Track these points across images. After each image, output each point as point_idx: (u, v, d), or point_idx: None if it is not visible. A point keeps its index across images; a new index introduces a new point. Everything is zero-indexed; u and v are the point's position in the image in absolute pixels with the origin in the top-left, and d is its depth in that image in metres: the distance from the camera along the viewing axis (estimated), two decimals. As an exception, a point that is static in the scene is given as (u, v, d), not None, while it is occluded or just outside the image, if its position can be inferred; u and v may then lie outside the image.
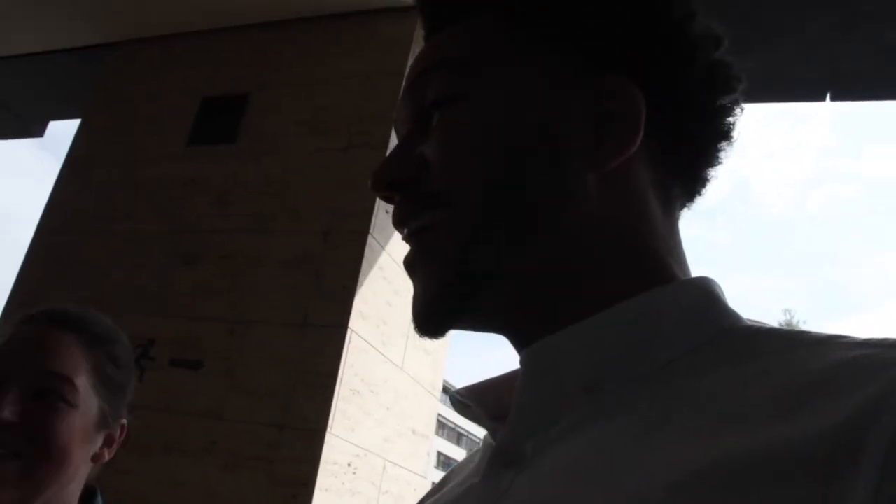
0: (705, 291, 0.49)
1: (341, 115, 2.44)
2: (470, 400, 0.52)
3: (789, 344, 0.41)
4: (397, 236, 0.53)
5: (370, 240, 2.18)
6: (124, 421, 1.04)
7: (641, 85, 0.49)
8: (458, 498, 0.50)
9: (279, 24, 2.73)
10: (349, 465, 2.09)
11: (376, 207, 2.20)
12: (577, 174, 0.49)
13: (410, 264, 0.52)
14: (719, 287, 0.50)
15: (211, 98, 2.70)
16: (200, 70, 2.82)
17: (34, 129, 3.59)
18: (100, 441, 1.00)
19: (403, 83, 0.56)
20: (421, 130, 0.53)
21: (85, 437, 0.95)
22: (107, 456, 1.01)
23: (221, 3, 2.70)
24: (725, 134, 0.55)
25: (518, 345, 0.51)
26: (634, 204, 0.50)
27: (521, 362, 0.47)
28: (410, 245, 0.52)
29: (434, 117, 0.53)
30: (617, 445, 0.40)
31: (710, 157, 0.55)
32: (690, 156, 0.54)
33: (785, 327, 0.45)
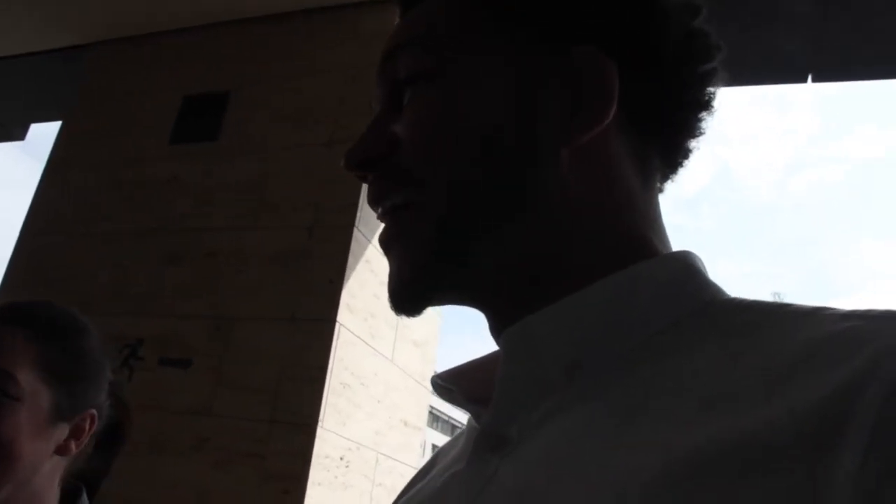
0: (684, 264, 0.48)
1: (323, 109, 2.43)
2: (451, 383, 0.51)
3: (773, 317, 0.40)
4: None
5: (356, 233, 2.17)
6: (93, 411, 1.01)
7: (613, 55, 0.48)
8: (444, 485, 0.50)
9: (259, 20, 2.72)
10: (341, 458, 2.09)
11: (361, 201, 2.20)
12: (549, 150, 0.48)
13: (385, 242, 0.52)
14: (700, 260, 0.49)
15: (192, 96, 2.69)
16: (181, 68, 2.80)
17: (15, 132, 3.56)
18: (62, 433, 0.98)
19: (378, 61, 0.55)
20: (393, 108, 0.53)
21: (36, 430, 0.93)
22: (74, 448, 0.99)
23: (199, 1, 2.68)
24: (705, 103, 0.54)
25: (496, 324, 0.51)
26: (611, 178, 0.49)
27: (501, 344, 0.47)
28: (385, 223, 0.52)
29: (406, 94, 0.52)
30: (599, 430, 0.39)
31: (689, 127, 0.54)
32: (669, 126, 0.53)
33: (768, 300, 0.44)
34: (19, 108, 3.54)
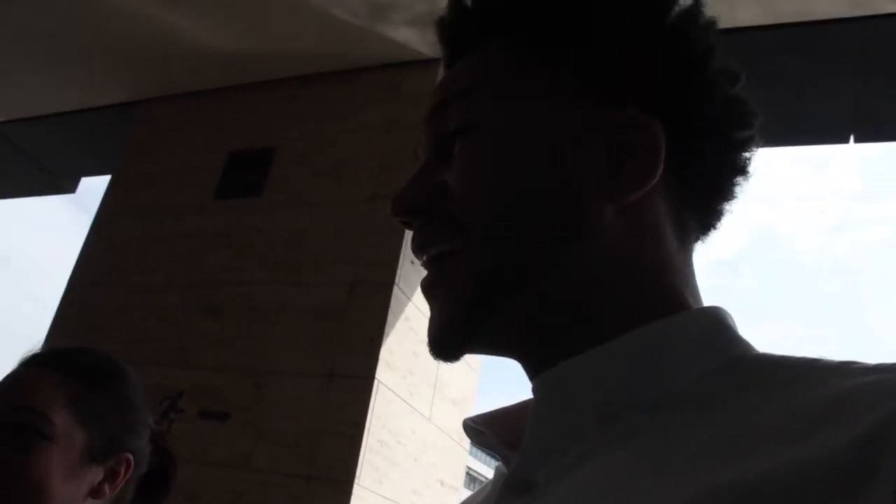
0: (715, 319, 0.49)
1: (364, 166, 2.47)
2: (483, 427, 0.52)
3: (801, 371, 0.41)
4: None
5: (396, 290, 2.18)
6: (129, 455, 1.01)
7: (657, 116, 0.50)
8: None
9: (302, 79, 2.79)
10: (377, 517, 2.07)
11: (401, 258, 2.21)
12: (593, 207, 0.49)
13: (427, 289, 0.52)
14: (730, 316, 0.49)
15: (237, 152, 2.76)
16: (226, 125, 2.88)
17: (66, 185, 3.67)
18: (95, 476, 0.97)
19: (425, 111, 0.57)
20: (440, 157, 0.54)
21: (69, 471, 0.94)
22: (108, 492, 0.98)
23: (245, 61, 2.77)
24: (741, 169, 0.55)
25: (531, 371, 0.51)
26: (651, 236, 0.50)
27: (534, 390, 0.47)
28: (428, 270, 0.53)
29: (456, 145, 0.53)
30: (628, 473, 0.39)
31: (725, 191, 0.55)
32: (707, 190, 0.54)
33: (797, 356, 0.44)
34: (70, 161, 3.66)
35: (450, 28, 0.59)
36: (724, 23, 0.55)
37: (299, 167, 2.60)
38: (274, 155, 2.67)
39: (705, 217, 0.56)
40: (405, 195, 0.53)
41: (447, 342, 0.51)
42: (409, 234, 0.55)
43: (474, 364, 2.60)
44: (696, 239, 0.56)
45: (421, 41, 2.48)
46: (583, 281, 0.49)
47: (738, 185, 0.55)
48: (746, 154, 0.55)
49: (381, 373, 2.11)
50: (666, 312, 0.47)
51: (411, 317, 2.24)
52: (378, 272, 2.23)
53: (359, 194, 2.42)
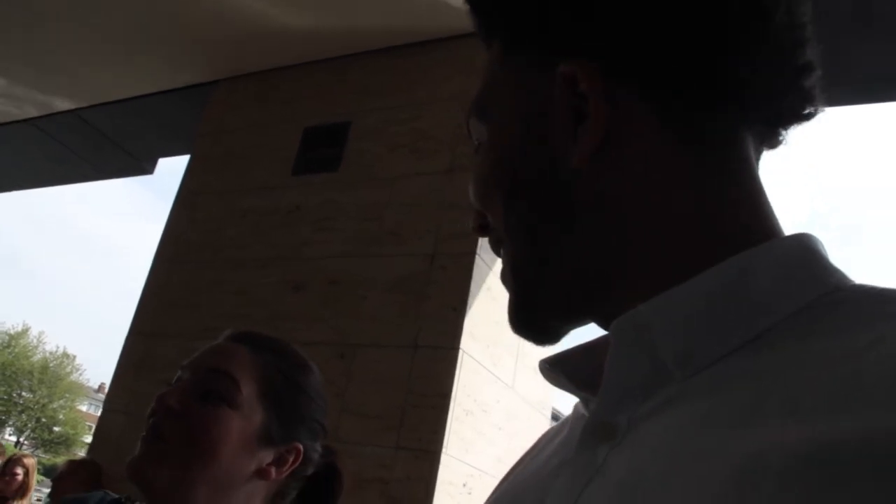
0: (804, 248, 0.45)
1: (441, 137, 2.47)
2: (559, 367, 0.50)
3: None
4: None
5: (478, 260, 2.18)
6: (299, 445, 1.03)
7: (602, 54, 0.47)
8: (552, 472, 0.48)
9: (375, 53, 2.79)
10: (464, 485, 2.09)
11: (482, 228, 2.21)
12: (568, 168, 0.48)
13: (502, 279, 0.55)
14: (820, 243, 0.45)
15: (313, 128, 2.78)
16: (301, 101, 2.91)
17: (145, 166, 3.77)
18: (265, 456, 1.00)
19: None
20: None
21: (242, 442, 0.97)
22: (274, 474, 1.00)
23: (316, 38, 2.78)
24: (750, 24, 0.47)
25: (605, 326, 0.50)
26: (654, 173, 0.47)
27: (611, 334, 0.45)
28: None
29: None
30: (714, 423, 0.37)
31: (745, 62, 0.47)
32: (710, 82, 0.47)
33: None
34: (149, 143, 3.76)
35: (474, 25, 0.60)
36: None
37: (375, 141, 2.61)
38: (349, 130, 2.68)
39: (762, 111, 0.49)
40: (472, 216, 0.56)
41: (519, 327, 0.52)
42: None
43: (554, 334, 2.58)
44: (762, 147, 0.51)
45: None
46: (601, 238, 0.48)
47: (752, 27, 0.47)
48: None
49: (466, 343, 2.12)
50: (741, 244, 0.44)
51: (493, 287, 2.24)
52: (458, 243, 2.23)
53: (436, 166, 2.42)
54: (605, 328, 0.50)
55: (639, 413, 0.42)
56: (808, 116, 0.51)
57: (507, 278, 0.53)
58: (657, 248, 0.47)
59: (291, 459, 1.02)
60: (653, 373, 0.43)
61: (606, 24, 0.48)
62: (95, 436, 2.61)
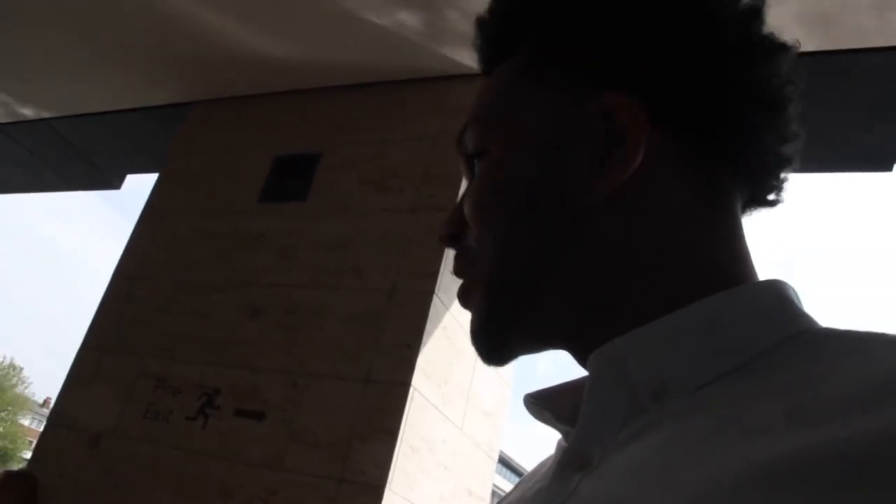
0: (776, 292, 0.47)
1: (409, 176, 2.50)
2: (542, 402, 0.53)
3: (866, 344, 0.39)
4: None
5: (435, 300, 2.21)
6: None
7: (645, 90, 0.48)
8: (532, 497, 0.51)
9: (350, 87, 2.84)
10: (406, 523, 2.09)
11: (442, 268, 2.24)
12: (581, 200, 0.49)
13: (460, 298, 0.56)
14: (793, 290, 0.47)
15: (283, 157, 2.81)
16: (274, 130, 2.93)
17: (113, 181, 3.75)
18: None
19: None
20: (473, 179, 0.56)
21: None
22: None
23: (295, 68, 2.82)
24: (773, 104, 0.51)
25: (581, 355, 0.52)
26: (667, 216, 0.49)
27: (588, 366, 0.47)
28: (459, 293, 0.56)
29: (475, 169, 0.56)
30: (683, 446, 0.39)
31: (758, 133, 0.51)
32: (732, 141, 0.51)
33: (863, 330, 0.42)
34: (119, 158, 3.74)
35: (478, 47, 0.61)
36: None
37: (343, 174, 2.64)
38: (319, 161, 2.71)
39: (744, 174, 0.52)
40: (444, 223, 0.56)
41: (481, 340, 0.54)
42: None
43: (506, 377, 2.62)
44: (748, 206, 0.54)
45: (470, 56, 2.51)
46: (598, 276, 0.49)
47: (773, 120, 0.51)
48: (777, 83, 0.51)
49: (417, 380, 2.13)
50: (716, 287, 0.46)
51: (448, 326, 2.27)
52: (418, 281, 2.26)
53: (402, 204, 2.46)
54: (578, 357, 0.53)
55: (612, 444, 0.44)
56: (782, 184, 0.55)
57: (480, 293, 0.53)
58: (654, 288, 0.48)
59: None
60: (627, 404, 0.44)
61: (654, 60, 0.49)
62: (36, 449, 2.55)
